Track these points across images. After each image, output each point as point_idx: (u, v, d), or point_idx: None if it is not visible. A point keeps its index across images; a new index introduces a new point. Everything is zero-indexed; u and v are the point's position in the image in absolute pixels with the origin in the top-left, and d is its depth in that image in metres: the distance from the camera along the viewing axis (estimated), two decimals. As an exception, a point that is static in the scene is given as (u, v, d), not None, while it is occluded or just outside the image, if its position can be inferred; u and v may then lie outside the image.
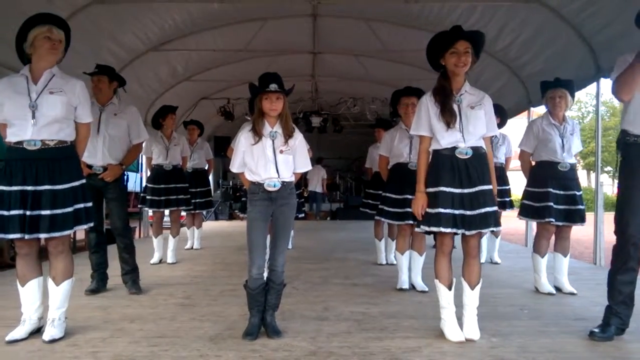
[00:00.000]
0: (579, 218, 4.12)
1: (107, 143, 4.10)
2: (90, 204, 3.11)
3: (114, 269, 4.34)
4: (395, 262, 4.81)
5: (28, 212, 2.84)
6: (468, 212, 2.92)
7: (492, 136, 3.22)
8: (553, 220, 4.12)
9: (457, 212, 2.92)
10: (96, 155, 4.07)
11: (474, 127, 2.98)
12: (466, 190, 2.94)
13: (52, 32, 2.94)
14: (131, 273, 4.27)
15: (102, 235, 4.32)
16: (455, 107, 2.99)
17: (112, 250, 4.36)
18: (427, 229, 3.00)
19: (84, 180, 3.10)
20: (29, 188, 2.86)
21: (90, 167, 4.06)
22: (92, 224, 3.17)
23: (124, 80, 4.41)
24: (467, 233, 2.94)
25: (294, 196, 3.19)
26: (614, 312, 2.98)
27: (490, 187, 2.99)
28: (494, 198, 3.01)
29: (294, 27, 7.54)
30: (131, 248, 4.31)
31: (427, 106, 3.04)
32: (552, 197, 4.13)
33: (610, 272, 3.04)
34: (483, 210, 2.93)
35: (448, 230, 2.92)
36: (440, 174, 2.98)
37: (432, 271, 3.10)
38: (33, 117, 2.88)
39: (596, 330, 2.98)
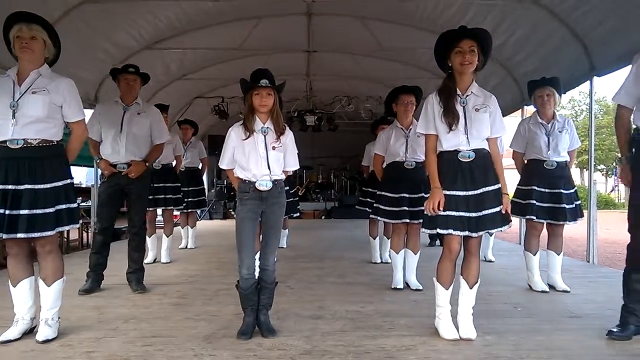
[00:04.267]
0: (563, 216, 4.14)
1: (130, 141, 4.18)
2: (74, 205, 3.01)
3: (110, 269, 4.34)
4: (390, 261, 4.82)
5: (7, 212, 2.78)
6: (473, 214, 2.90)
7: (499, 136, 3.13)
8: (534, 218, 4.17)
9: (464, 214, 2.90)
10: (119, 152, 4.16)
11: (478, 131, 2.96)
12: (470, 193, 2.92)
13: (22, 30, 2.90)
14: (137, 272, 4.30)
15: (110, 237, 4.33)
16: (460, 108, 2.96)
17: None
18: (433, 231, 2.98)
19: (69, 180, 3.01)
20: (10, 187, 2.81)
21: (114, 166, 4.13)
22: (76, 225, 3.08)
23: (148, 80, 4.56)
24: (474, 235, 2.93)
25: (284, 195, 3.17)
26: (631, 311, 2.97)
27: (494, 187, 2.95)
28: (500, 197, 2.96)
29: (288, 26, 7.53)
30: (142, 247, 4.42)
31: (433, 105, 3.02)
32: (536, 195, 4.16)
33: (625, 272, 3.04)
34: (490, 211, 2.91)
35: (458, 233, 2.90)
36: (444, 178, 2.96)
37: (427, 270, 3.11)
38: (13, 116, 2.85)
39: (615, 329, 2.96)
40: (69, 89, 3.03)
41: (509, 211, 2.96)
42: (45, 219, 2.85)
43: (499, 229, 2.99)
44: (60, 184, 2.95)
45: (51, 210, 2.87)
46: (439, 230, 2.94)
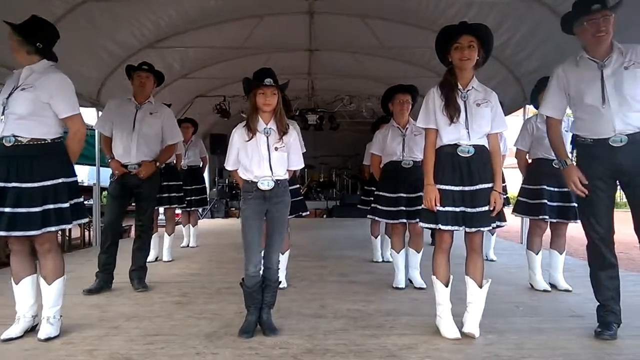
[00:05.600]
0: (573, 215, 4.12)
1: (141, 140, 4.17)
2: (65, 205, 2.91)
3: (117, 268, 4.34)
4: (391, 260, 4.82)
5: None
6: (469, 210, 2.92)
7: (500, 132, 3.14)
8: (547, 217, 4.14)
9: (458, 209, 2.92)
10: (130, 152, 4.16)
11: (479, 125, 2.96)
12: (467, 188, 2.93)
13: None
14: (140, 271, 4.32)
15: (117, 235, 4.34)
16: (461, 102, 2.96)
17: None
18: (427, 225, 3.02)
19: (61, 180, 2.92)
20: (0, 184, 2.82)
21: (125, 166, 4.15)
22: (66, 226, 3.01)
23: (162, 80, 4.53)
24: (468, 230, 2.94)
25: (288, 194, 3.18)
26: (609, 310, 2.99)
27: (488, 185, 2.95)
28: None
29: (290, 25, 7.52)
30: (147, 247, 4.46)
31: (434, 98, 3.02)
32: (546, 195, 4.14)
33: (592, 272, 3.08)
34: (484, 208, 2.92)
35: (448, 227, 2.92)
36: (442, 172, 2.96)
37: (430, 269, 3.10)
38: (2, 114, 2.87)
39: (600, 329, 2.97)
40: (57, 84, 2.95)
41: (498, 209, 2.95)
42: (30, 219, 2.80)
43: (492, 226, 3.00)
44: (49, 183, 2.88)
45: (37, 210, 2.82)
46: (430, 225, 2.97)
